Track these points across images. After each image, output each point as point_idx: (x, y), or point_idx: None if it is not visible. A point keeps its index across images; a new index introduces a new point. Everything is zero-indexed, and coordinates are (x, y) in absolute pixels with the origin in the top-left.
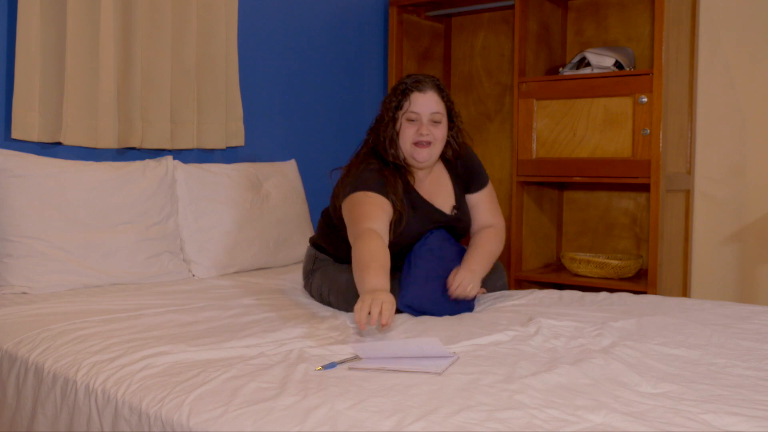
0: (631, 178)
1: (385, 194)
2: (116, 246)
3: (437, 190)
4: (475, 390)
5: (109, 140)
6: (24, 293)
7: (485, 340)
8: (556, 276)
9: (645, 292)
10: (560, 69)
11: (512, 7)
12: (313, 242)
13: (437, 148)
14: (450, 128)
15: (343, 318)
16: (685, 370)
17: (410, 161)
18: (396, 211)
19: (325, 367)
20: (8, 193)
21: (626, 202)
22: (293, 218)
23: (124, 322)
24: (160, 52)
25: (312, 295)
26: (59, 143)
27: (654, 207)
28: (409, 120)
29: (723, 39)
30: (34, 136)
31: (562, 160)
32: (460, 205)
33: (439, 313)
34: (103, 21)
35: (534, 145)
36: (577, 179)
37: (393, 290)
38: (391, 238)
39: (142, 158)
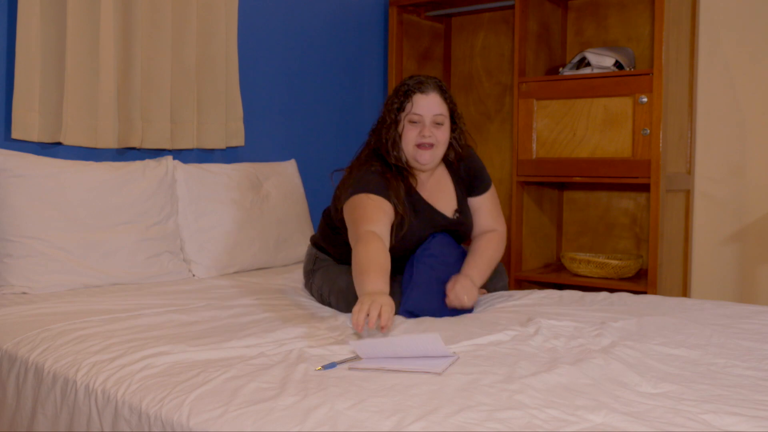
0: (631, 178)
1: (387, 197)
2: (116, 246)
3: (439, 192)
4: (475, 390)
5: (109, 140)
6: (24, 293)
7: (485, 340)
8: (556, 276)
9: (645, 292)
10: (560, 69)
11: (512, 7)
12: (314, 242)
13: (440, 151)
14: (453, 130)
15: (342, 318)
16: (685, 370)
17: (412, 163)
18: (398, 214)
19: (325, 367)
20: (8, 193)
21: (626, 202)
22: (293, 218)
23: (124, 322)
24: (160, 52)
25: (312, 295)
26: (59, 143)
27: (654, 207)
28: (412, 122)
29: (723, 39)
30: (34, 136)
31: (562, 160)
32: (463, 208)
33: (439, 316)
34: (103, 21)
35: (534, 145)
36: (577, 179)
37: (393, 294)
38: (392, 242)
39: (142, 158)
